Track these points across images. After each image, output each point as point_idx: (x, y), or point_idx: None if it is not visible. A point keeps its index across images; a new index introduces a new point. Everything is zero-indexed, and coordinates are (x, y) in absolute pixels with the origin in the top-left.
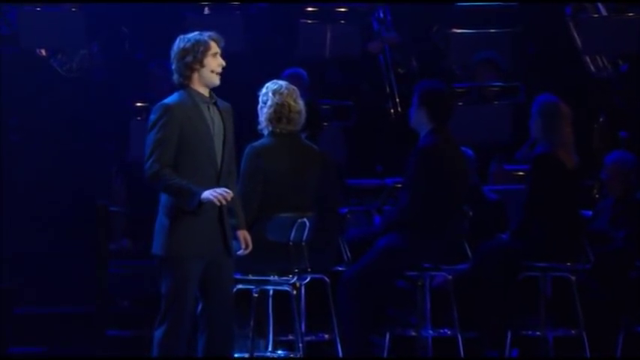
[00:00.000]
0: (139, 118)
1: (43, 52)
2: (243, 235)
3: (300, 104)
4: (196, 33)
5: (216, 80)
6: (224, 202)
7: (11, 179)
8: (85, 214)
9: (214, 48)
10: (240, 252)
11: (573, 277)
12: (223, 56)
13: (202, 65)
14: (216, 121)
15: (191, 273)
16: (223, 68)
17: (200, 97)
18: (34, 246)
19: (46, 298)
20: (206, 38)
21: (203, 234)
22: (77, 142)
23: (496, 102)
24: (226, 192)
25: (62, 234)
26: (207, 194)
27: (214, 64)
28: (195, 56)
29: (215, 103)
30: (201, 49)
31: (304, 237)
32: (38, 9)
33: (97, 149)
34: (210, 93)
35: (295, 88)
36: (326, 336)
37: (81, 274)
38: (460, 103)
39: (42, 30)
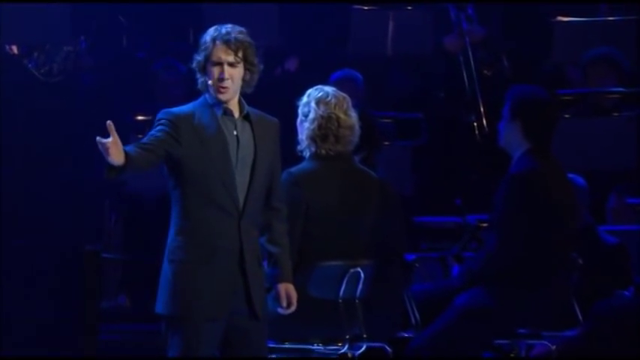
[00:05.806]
0: (140, 135)
1: (15, 49)
2: (285, 288)
3: (353, 117)
4: (214, 27)
5: (217, 95)
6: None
7: None
8: (70, 262)
9: (215, 55)
10: (281, 310)
11: None
12: (239, 64)
13: (205, 72)
14: (243, 141)
15: (203, 338)
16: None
17: (222, 108)
18: (4, 306)
19: None
20: (208, 40)
21: (217, 289)
22: (60, 167)
23: (616, 114)
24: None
25: (40, 289)
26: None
27: (214, 75)
28: (199, 60)
29: (246, 117)
30: (203, 53)
31: (358, 293)
32: None
33: (86, 177)
34: (239, 102)
35: (346, 96)
36: None
37: (64, 342)
38: (567, 116)
39: (13, 22)
